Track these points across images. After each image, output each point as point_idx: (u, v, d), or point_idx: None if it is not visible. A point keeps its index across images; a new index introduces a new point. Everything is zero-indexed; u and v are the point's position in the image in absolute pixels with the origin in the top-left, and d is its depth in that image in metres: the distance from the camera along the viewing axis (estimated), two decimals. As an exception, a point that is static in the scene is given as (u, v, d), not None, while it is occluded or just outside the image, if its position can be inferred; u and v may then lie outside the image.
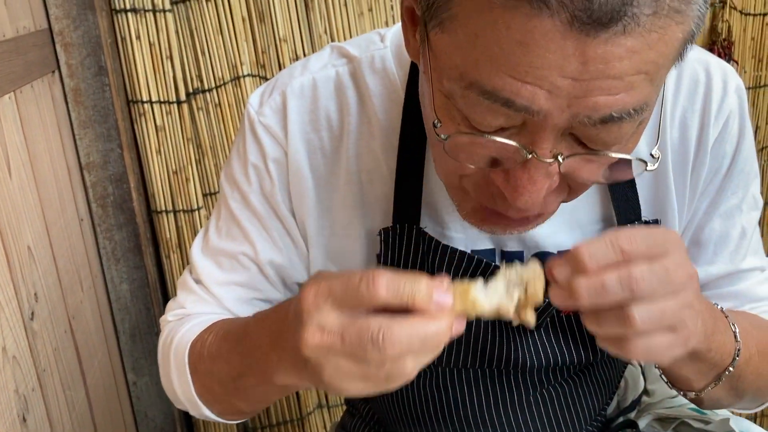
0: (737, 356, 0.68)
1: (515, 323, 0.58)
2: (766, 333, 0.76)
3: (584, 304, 0.54)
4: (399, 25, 0.81)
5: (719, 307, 0.71)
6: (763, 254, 0.85)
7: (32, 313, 1.05)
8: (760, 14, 1.70)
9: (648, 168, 0.57)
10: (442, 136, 0.57)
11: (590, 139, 0.54)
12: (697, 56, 0.77)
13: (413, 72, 0.77)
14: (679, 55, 0.54)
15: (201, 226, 1.43)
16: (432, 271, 0.78)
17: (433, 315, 0.53)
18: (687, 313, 0.56)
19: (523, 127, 0.54)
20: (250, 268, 0.84)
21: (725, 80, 0.77)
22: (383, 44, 0.80)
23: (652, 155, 0.59)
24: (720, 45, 1.69)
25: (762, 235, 1.84)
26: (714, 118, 0.76)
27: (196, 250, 0.86)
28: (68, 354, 1.19)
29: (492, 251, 0.80)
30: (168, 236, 1.51)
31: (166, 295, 1.55)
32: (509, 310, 0.56)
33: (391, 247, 0.79)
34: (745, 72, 1.75)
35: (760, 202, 0.83)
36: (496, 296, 0.56)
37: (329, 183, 0.80)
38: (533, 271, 0.56)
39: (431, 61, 0.57)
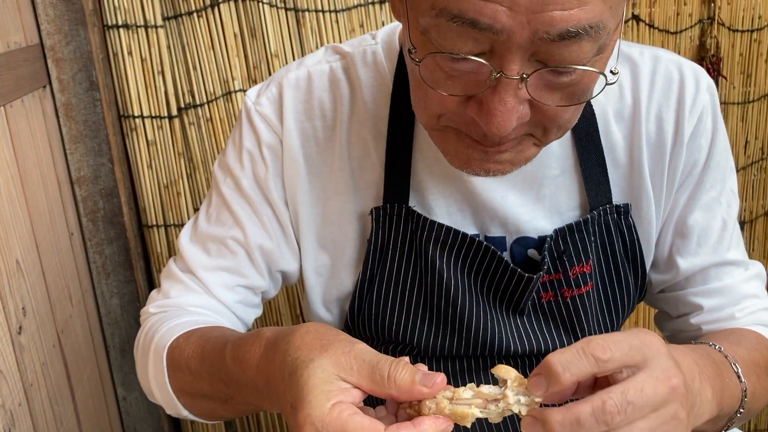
0: (745, 397, 0.70)
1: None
2: (758, 353, 0.78)
3: None
4: (389, 25, 0.85)
5: (717, 348, 0.72)
6: (745, 250, 0.88)
7: (20, 328, 1.04)
8: (747, 30, 1.71)
9: (609, 81, 0.61)
10: (417, 59, 0.62)
11: (554, 59, 0.58)
12: (670, 57, 0.82)
13: (401, 64, 0.81)
14: None
15: (192, 241, 1.43)
16: (420, 248, 0.81)
17: None
18: (672, 425, 0.56)
19: (491, 53, 0.58)
20: (237, 253, 0.85)
21: (697, 79, 0.81)
22: (374, 41, 0.84)
23: (612, 71, 0.63)
24: (709, 61, 1.70)
25: (752, 245, 1.83)
26: (689, 113, 0.80)
27: (184, 238, 0.88)
28: (56, 369, 1.18)
29: (476, 236, 0.82)
30: (159, 250, 1.51)
31: (156, 309, 1.55)
32: (498, 419, 0.58)
33: (381, 226, 0.82)
34: (734, 87, 1.76)
35: (737, 197, 0.87)
36: (490, 415, 0.57)
37: (322, 171, 0.83)
38: (533, 401, 0.57)
39: (408, 3, 0.62)
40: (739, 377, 0.70)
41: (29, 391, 1.06)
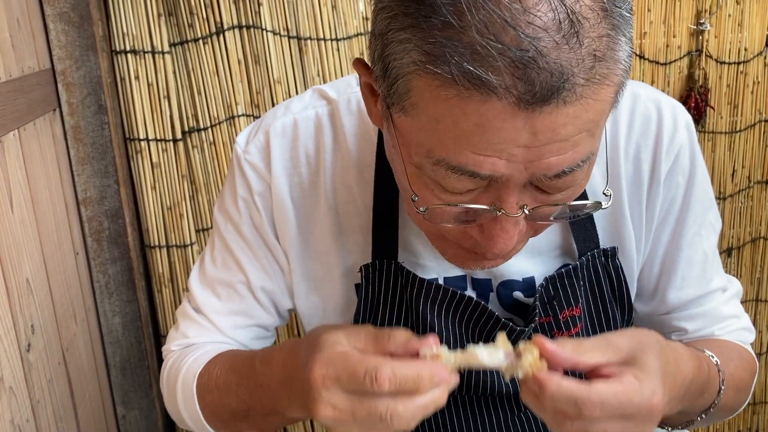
0: (712, 408, 0.76)
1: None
2: (744, 372, 0.83)
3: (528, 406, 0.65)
4: None
5: (715, 361, 0.77)
6: (724, 273, 0.92)
7: (29, 345, 1.07)
8: (734, 63, 1.77)
9: (603, 206, 0.64)
10: (421, 209, 0.63)
11: (549, 187, 0.61)
12: (649, 95, 0.83)
13: None
14: (614, 102, 0.60)
15: (193, 262, 1.46)
16: (410, 302, 0.84)
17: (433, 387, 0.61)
18: None
19: (489, 186, 0.60)
20: (245, 296, 0.89)
21: (675, 117, 0.82)
22: (358, 86, 0.85)
23: (604, 194, 0.67)
24: (697, 92, 1.76)
25: (739, 272, 1.87)
26: (666, 152, 0.82)
27: (194, 280, 0.92)
28: (61, 386, 1.21)
29: (463, 277, 0.86)
30: (161, 271, 1.53)
31: (156, 329, 1.57)
32: (505, 371, 0.65)
33: (371, 281, 0.85)
34: (721, 117, 1.81)
35: (717, 227, 0.90)
36: (496, 361, 0.65)
37: (309, 215, 0.86)
38: (533, 356, 0.63)
39: (398, 137, 0.63)
40: (719, 391, 0.75)
41: (36, 408, 1.08)
